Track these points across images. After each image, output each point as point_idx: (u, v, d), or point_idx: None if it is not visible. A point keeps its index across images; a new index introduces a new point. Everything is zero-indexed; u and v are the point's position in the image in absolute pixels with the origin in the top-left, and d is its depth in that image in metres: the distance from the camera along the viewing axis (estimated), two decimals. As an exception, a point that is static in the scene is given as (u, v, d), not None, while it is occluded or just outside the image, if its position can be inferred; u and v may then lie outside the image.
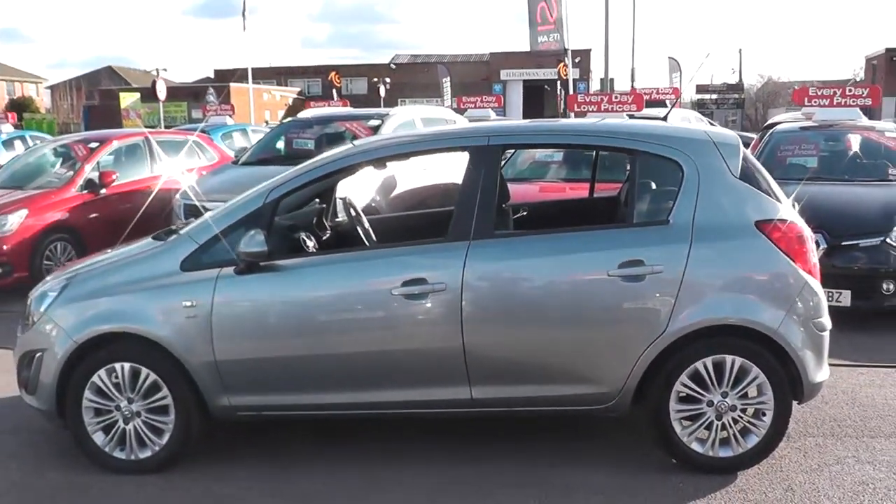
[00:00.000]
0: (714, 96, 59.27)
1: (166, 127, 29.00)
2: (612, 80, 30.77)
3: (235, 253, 4.62)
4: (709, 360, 4.53)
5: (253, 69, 46.26)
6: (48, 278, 5.40)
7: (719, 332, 4.53)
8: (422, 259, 4.66)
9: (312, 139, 11.25)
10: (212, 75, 73.13)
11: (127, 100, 46.17)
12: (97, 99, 60.37)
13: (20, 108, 50.42)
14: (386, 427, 5.37)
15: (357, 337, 4.67)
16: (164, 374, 4.78)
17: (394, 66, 70.35)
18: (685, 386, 4.55)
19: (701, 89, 58.55)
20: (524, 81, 63.26)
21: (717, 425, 4.58)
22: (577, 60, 48.09)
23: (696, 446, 4.62)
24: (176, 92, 51.76)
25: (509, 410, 4.78)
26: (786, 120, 11.98)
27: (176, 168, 11.71)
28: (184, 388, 4.79)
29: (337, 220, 6.37)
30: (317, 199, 6.22)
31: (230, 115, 20.58)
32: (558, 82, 44.34)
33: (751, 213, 4.57)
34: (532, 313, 4.57)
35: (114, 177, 10.84)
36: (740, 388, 4.55)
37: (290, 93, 67.21)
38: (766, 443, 4.62)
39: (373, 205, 9.54)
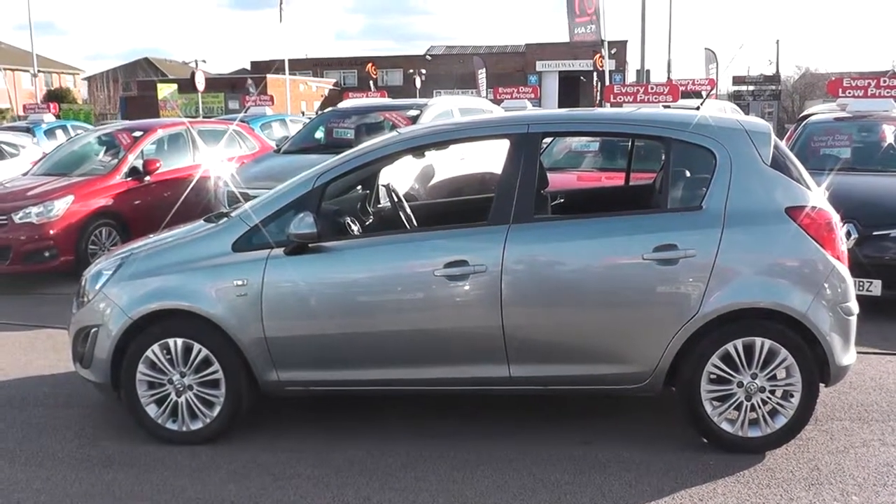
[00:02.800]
0: (751, 88, 58.79)
1: (205, 117, 29.38)
2: (648, 71, 30.80)
3: (286, 234, 4.84)
4: (739, 342, 4.68)
5: (289, 60, 46.56)
6: (102, 258, 5.65)
7: (749, 315, 4.68)
8: (463, 242, 4.86)
9: (352, 129, 11.45)
10: (248, 66, 73.69)
11: (164, 90, 46.76)
12: (134, 90, 61.09)
13: (58, 98, 51.03)
14: (425, 404, 5.59)
15: (400, 316, 4.87)
16: (216, 349, 5.02)
17: (429, 58, 70.46)
18: (716, 367, 4.71)
19: (738, 81, 58.08)
20: (560, 72, 63.13)
21: (747, 406, 4.74)
22: (613, 52, 48.04)
23: (725, 426, 4.78)
24: (213, 83, 52.17)
25: (546, 389, 4.97)
26: (821, 111, 12.00)
27: (217, 157, 11.97)
28: (234, 363, 5.02)
29: (379, 205, 6.58)
30: (360, 186, 6.46)
31: (269, 106, 20.90)
32: (594, 73, 44.36)
33: (781, 199, 4.71)
34: (569, 295, 4.75)
35: (158, 164, 11.13)
36: (769, 369, 4.70)
37: (325, 84, 67.60)
38: (793, 424, 4.77)
39: (412, 193, 9.74)
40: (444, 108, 11.50)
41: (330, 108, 12.73)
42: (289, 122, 19.73)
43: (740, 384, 4.72)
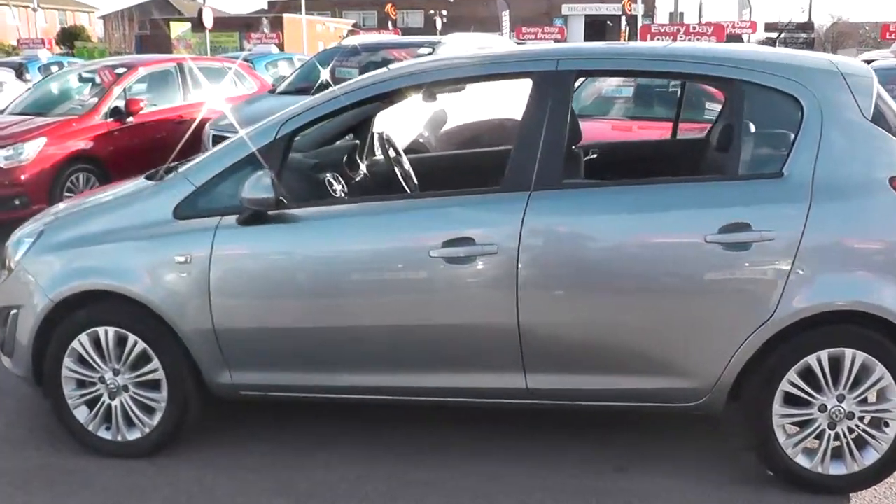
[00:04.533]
0: (782, 35, 56.76)
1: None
2: (681, 13, 29.11)
3: (240, 195, 3.75)
4: (824, 354, 3.58)
5: (307, 0, 45.12)
6: (30, 220, 4.59)
7: (839, 320, 3.58)
8: (469, 213, 3.75)
9: (357, 68, 10.31)
10: (265, 6, 72.06)
11: (177, 29, 45.58)
12: (149, 29, 59.92)
13: (72, 37, 50.01)
14: (419, 414, 4.49)
15: (385, 307, 3.80)
16: (155, 342, 3.98)
17: (451, -1, 68.58)
18: (793, 385, 3.61)
19: (770, 27, 56.09)
20: (586, 16, 61.24)
21: (830, 435, 3.65)
22: (641, -5, 46.34)
23: (801, 459, 3.70)
24: (229, 22, 51.02)
25: (573, 404, 3.89)
26: (881, 57, 10.74)
27: (211, 97, 10.89)
28: (178, 361, 3.98)
29: (374, 158, 5.48)
30: (350, 134, 5.36)
31: (276, 44, 19.66)
32: (623, 17, 42.62)
33: (885, 165, 3.57)
34: (607, 286, 3.65)
35: (141, 104, 10.06)
36: (860, 390, 3.60)
37: (344, 24, 65.95)
38: (887, 461, 3.68)
39: (420, 141, 8.64)
40: (461, 48, 10.31)
41: (333, 45, 11.55)
42: (296, 62, 18.48)
43: (823, 408, 3.63)
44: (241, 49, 43.58)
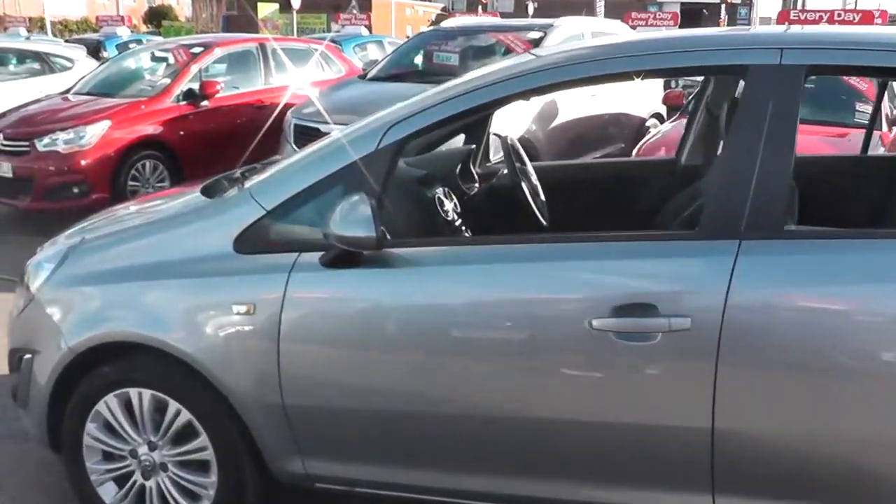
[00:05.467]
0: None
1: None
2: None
3: (324, 230, 2.68)
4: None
5: (396, -18, 44.28)
6: (54, 239, 3.59)
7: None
8: (649, 266, 2.62)
9: (456, 53, 9.18)
10: (354, -13, 71.43)
11: (265, 10, 45.04)
12: (236, 9, 59.73)
13: (160, 16, 49.98)
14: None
15: (522, 394, 2.69)
16: (203, 413, 2.95)
17: (544, -17, 66.93)
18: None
19: None
20: (682, 3, 59.01)
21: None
22: (742, -17, 44.44)
23: None
24: (317, 3, 50.37)
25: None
26: None
27: (295, 80, 9.96)
28: (233, 439, 2.95)
29: (489, 164, 4.38)
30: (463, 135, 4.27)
31: (366, 25, 18.63)
32: (722, 5, 40.71)
33: None
34: (850, 385, 2.49)
35: (218, 87, 9.14)
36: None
37: (433, 8, 64.88)
38: None
39: (527, 137, 7.52)
40: (575, 31, 9.15)
41: (430, 27, 10.45)
42: (387, 45, 17.43)
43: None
44: (329, 31, 43.10)
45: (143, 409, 3.01)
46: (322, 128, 7.65)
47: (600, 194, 4.27)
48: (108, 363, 3.01)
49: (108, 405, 3.04)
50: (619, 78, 2.94)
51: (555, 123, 8.18)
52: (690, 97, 8.71)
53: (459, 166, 3.96)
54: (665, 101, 9.92)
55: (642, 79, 2.90)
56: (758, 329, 2.51)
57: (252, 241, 2.85)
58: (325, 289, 2.78)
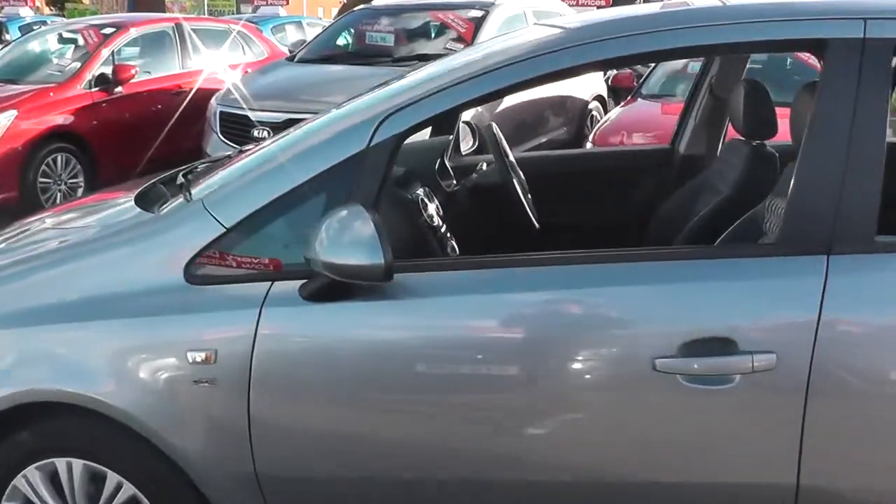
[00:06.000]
0: None
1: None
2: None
3: (308, 253, 2.08)
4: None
5: (304, -39, 43.15)
6: None
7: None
8: (720, 290, 2.11)
9: (391, 33, 8.65)
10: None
11: (172, -8, 43.55)
12: (143, -10, 57.92)
13: (62, -2, 47.81)
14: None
15: (566, 454, 2.15)
16: (151, 486, 2.34)
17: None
18: None
19: None
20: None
21: None
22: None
23: None
24: (225, -17, 49.03)
25: None
26: None
27: (215, 64, 9.29)
28: (191, 518, 2.35)
29: (461, 157, 3.83)
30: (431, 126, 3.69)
31: (283, 6, 17.85)
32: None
33: None
34: None
35: (133, 71, 8.44)
36: None
37: (346, -12, 63.87)
38: None
39: (475, 122, 7.00)
40: (516, 11, 8.71)
41: (361, 6, 9.80)
42: (306, 26, 16.71)
43: None
44: (238, 12, 41.88)
45: (73, 484, 2.38)
46: (252, 115, 7.03)
47: (589, 190, 3.78)
48: (27, 427, 2.37)
49: (29, 479, 2.40)
50: (666, 56, 2.41)
51: (501, 108, 7.67)
52: (642, 80, 8.33)
53: (438, 161, 3.39)
54: (615, 82, 9.52)
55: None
56: (854, 363, 2.03)
57: (209, 267, 2.24)
58: (309, 328, 2.19)
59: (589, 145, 6.93)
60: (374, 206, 2.10)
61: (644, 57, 2.48)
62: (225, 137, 7.25)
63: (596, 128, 7.58)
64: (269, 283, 2.18)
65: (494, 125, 3.42)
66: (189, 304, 2.21)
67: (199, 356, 2.17)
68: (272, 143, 2.64)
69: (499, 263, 2.23)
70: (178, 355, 2.19)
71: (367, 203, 2.07)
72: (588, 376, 2.12)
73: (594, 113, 9.58)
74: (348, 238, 1.99)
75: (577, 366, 2.11)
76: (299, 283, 2.15)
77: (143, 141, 8.01)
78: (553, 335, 2.13)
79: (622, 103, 8.00)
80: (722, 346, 2.01)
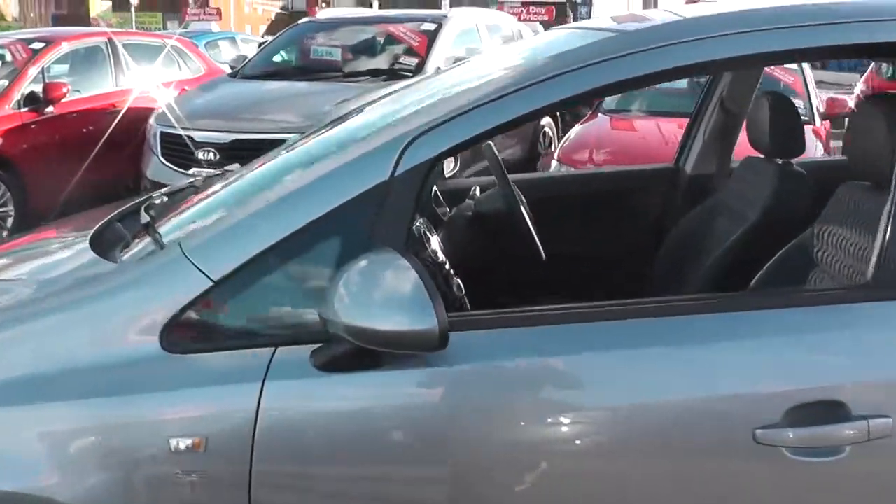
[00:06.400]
0: None
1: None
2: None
3: (322, 314, 1.68)
4: None
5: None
6: None
7: None
8: (824, 343, 1.77)
9: (337, 47, 8.42)
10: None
11: (97, 8, 42.83)
12: (66, 8, 56.74)
13: (-16, 16, 46.66)
14: None
15: None
16: None
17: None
18: None
19: None
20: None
21: None
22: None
23: None
24: (152, 2, 48.25)
25: None
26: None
27: (151, 81, 8.88)
28: None
29: (447, 180, 3.47)
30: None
31: (216, 21, 17.36)
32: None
33: None
34: None
35: (64, 90, 8.00)
36: None
37: (273, 6, 63.20)
38: None
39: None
40: (469, 24, 8.53)
41: (305, 20, 9.44)
42: (240, 42, 16.28)
43: None
44: (165, 30, 41.17)
45: None
46: (196, 136, 6.60)
47: (590, 215, 3.45)
48: None
49: None
50: (730, 65, 2.06)
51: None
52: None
53: (434, 191, 3.00)
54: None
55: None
56: None
57: (192, 331, 1.81)
58: (326, 405, 1.77)
59: (554, 163, 6.60)
60: (405, 250, 1.71)
61: (711, 66, 2.12)
62: (167, 160, 6.86)
63: (560, 144, 7.30)
64: (273, 349, 1.77)
65: (492, 144, 3.06)
66: (168, 379, 1.77)
67: (185, 442, 1.74)
68: (257, 169, 2.23)
69: (567, 317, 1.84)
70: (156, 442, 1.76)
71: (397, 248, 1.68)
72: (681, 451, 1.75)
73: (546, 129, 9.30)
74: (381, 294, 1.60)
75: (663, 436, 1.74)
76: (310, 347, 1.74)
77: (77, 165, 7.51)
78: (642, 403, 1.75)
79: (583, 119, 7.72)
80: (831, 410, 1.67)
